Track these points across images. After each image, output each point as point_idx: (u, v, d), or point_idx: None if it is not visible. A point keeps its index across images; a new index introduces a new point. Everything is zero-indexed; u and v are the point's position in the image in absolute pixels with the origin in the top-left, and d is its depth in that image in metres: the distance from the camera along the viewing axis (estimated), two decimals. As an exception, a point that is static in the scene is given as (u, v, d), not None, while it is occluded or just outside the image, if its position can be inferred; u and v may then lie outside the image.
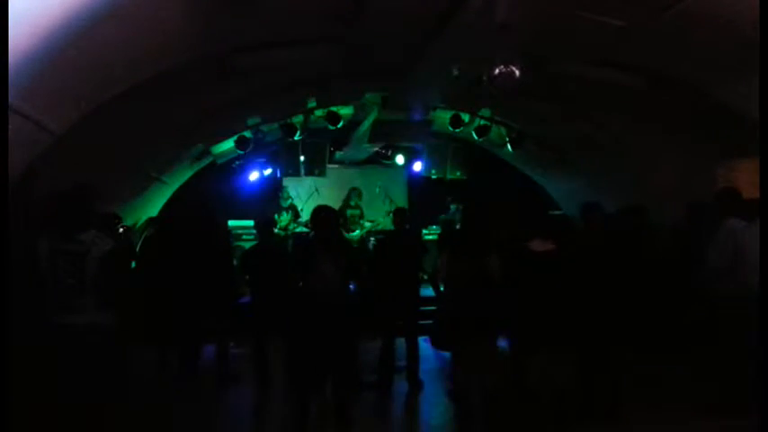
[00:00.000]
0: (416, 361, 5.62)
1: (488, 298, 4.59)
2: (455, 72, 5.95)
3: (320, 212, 4.47)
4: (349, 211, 9.45)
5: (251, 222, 9.04)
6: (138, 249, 6.44)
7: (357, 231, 9.38)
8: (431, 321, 5.51)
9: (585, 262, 4.35)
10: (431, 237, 9.53)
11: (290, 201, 9.46)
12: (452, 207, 9.62)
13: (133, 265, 5.99)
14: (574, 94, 6.74)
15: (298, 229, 9.24)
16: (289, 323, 4.62)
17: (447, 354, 5.79)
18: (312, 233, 5.36)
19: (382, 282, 5.52)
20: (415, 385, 5.54)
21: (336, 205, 9.56)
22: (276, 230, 8.24)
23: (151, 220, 7.56)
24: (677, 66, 5.25)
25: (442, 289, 5.06)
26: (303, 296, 4.33)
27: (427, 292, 6.18)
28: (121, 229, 6.44)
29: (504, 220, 5.55)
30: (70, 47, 3.31)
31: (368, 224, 9.50)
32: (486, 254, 4.64)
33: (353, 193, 9.50)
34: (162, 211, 8.89)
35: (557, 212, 9.15)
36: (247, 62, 5.44)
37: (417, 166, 10.57)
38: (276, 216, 8.97)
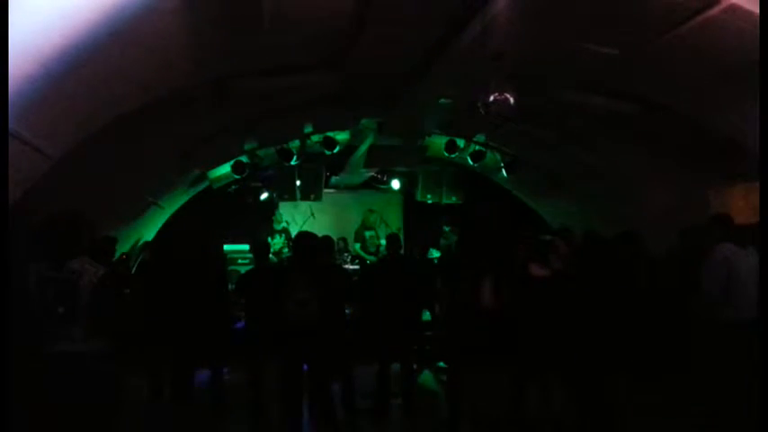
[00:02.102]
0: (413, 387, 5.56)
1: (485, 323, 4.56)
2: (446, 101, 6.01)
3: (299, 239, 4.56)
4: (368, 233, 9.53)
5: (246, 247, 9.04)
6: (133, 274, 6.40)
7: (374, 255, 9.35)
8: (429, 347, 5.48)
9: (582, 288, 4.34)
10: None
11: (282, 224, 9.47)
12: (446, 229, 9.65)
13: (128, 290, 5.94)
14: (568, 120, 6.80)
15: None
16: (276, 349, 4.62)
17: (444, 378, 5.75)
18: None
19: (375, 308, 5.50)
20: (411, 412, 5.47)
21: (331, 228, 9.60)
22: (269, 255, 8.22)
23: (147, 245, 7.52)
24: (670, 93, 5.31)
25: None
26: (278, 323, 4.35)
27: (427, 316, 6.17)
28: (119, 256, 6.39)
29: (500, 245, 5.55)
30: (70, 73, 3.33)
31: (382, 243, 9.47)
32: (483, 278, 4.63)
33: (370, 215, 9.59)
34: (158, 236, 8.86)
35: (550, 237, 9.13)
36: (246, 87, 5.47)
37: (413, 191, 10.56)
38: (269, 239, 8.96)
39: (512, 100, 4.62)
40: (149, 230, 8.64)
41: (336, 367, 5.09)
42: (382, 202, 10.82)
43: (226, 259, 8.81)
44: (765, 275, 3.77)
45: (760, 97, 3.58)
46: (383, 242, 9.18)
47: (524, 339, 4.34)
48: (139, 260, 6.91)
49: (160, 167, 7.07)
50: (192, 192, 9.18)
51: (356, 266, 9.12)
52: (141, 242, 7.96)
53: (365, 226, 9.52)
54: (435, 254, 9.49)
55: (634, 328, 4.38)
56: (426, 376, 6.86)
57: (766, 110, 3.53)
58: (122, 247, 7.05)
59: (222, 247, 8.94)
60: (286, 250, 9.16)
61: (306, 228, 9.89)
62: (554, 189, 9.11)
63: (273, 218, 9.40)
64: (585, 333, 4.23)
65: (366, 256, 9.24)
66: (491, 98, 4.61)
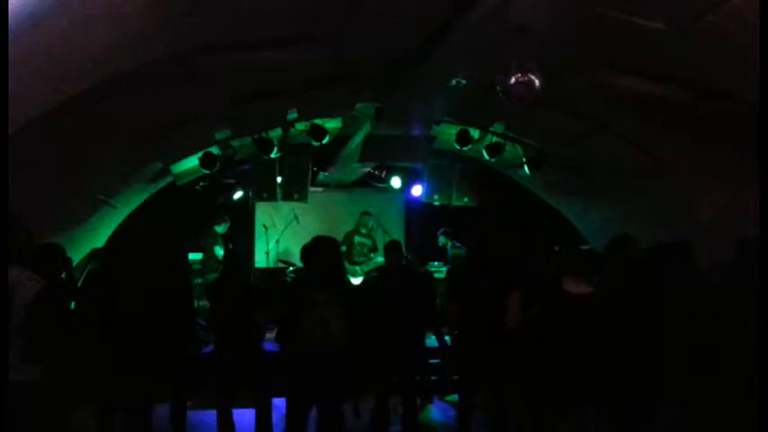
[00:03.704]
0: (415, 425, 5.57)
1: (508, 348, 4.56)
2: (461, 81, 6.01)
3: (320, 243, 4.52)
4: (357, 239, 9.53)
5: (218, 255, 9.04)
6: (79, 287, 6.36)
7: (362, 266, 9.36)
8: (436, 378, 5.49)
9: (627, 308, 4.33)
10: (436, 275, 9.49)
11: (225, 228, 9.47)
12: (441, 240, 9.67)
13: (73, 306, 5.90)
14: (603, 108, 6.81)
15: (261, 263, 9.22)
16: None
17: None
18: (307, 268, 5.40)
19: (372, 329, 5.49)
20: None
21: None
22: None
23: (96, 253, 7.49)
24: (725, 76, 5.31)
25: (447, 339, 5.04)
26: (293, 345, 4.34)
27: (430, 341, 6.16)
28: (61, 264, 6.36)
29: (522, 255, 5.56)
30: (16, 41, 3.30)
31: (379, 259, 9.44)
32: (506, 295, 4.63)
33: (366, 218, 9.60)
34: (110, 242, 8.83)
35: (585, 247, 9.16)
36: (217, 64, 5.47)
37: (417, 191, 10.59)
38: (216, 247, 9.01)
39: (537, 82, 4.62)
40: (100, 235, 8.61)
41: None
42: (380, 204, 10.83)
43: (191, 271, 8.79)
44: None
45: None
46: (377, 259, 9.25)
47: (557, 368, 4.32)
48: (87, 271, 6.87)
49: (113, 160, 7.04)
50: (152, 189, 9.15)
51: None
52: (90, 249, 7.94)
53: (358, 230, 9.50)
54: (436, 266, 9.50)
55: (688, 356, 4.36)
56: (432, 412, 6.84)
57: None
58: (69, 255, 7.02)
59: (187, 256, 8.92)
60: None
61: (288, 234, 9.94)
62: (586, 189, 9.12)
63: (223, 222, 9.39)
64: (631, 361, 4.22)
65: (347, 266, 9.13)
66: (512, 80, 4.61)
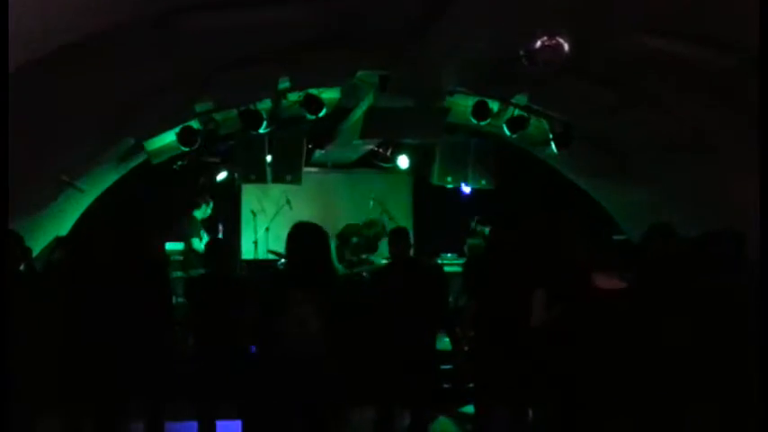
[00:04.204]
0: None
1: (531, 352, 4.57)
2: (474, 46, 5.98)
3: (300, 231, 4.46)
4: (354, 239, 9.50)
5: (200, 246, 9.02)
6: (40, 280, 6.36)
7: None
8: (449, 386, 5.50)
9: (667, 306, 4.30)
10: (447, 269, 9.48)
11: (209, 211, 9.39)
12: (484, 230, 9.61)
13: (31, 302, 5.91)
14: (641, 77, 6.76)
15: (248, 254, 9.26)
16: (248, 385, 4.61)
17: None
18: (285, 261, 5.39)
19: (377, 331, 5.48)
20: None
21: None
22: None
23: (60, 242, 7.49)
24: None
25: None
26: (269, 347, 4.35)
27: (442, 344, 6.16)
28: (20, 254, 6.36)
29: (551, 246, 5.53)
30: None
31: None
32: (529, 291, 4.62)
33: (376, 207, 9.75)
34: (76, 229, 8.85)
35: (620, 237, 9.14)
36: (196, 25, 5.42)
37: (427, 172, 10.55)
38: (195, 239, 8.93)
39: (566, 47, 4.59)
40: (64, 222, 8.63)
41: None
42: (385, 187, 10.85)
43: (169, 263, 8.80)
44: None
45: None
46: (379, 260, 9.25)
47: (588, 374, 4.32)
48: (49, 262, 6.87)
49: (80, 135, 7.03)
50: (124, 169, 9.16)
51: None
52: (52, 237, 7.94)
53: (367, 224, 9.47)
54: (449, 258, 9.49)
55: (735, 359, 4.33)
56: (445, 425, 6.86)
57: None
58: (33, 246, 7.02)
59: (164, 245, 8.92)
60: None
61: (279, 222, 9.91)
62: (620, 170, 9.11)
63: (203, 203, 9.25)
64: (671, 366, 4.20)
65: (338, 267, 9.09)
66: (538, 44, 4.58)
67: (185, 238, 9.02)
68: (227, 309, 5.47)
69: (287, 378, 4.32)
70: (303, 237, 4.47)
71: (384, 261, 9.22)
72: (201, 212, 9.30)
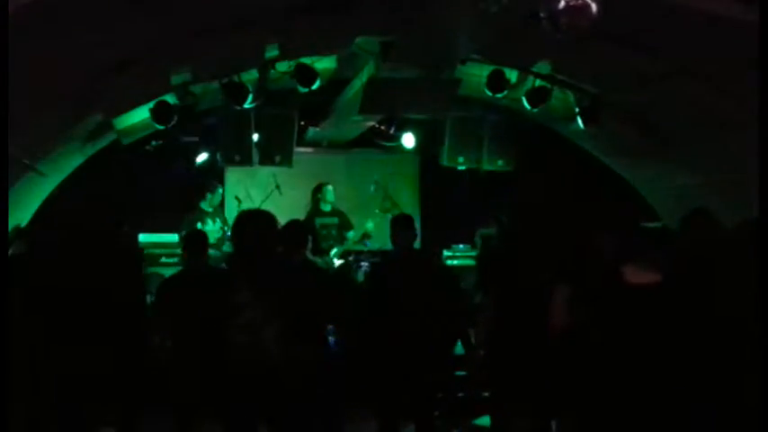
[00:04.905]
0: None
1: (554, 355, 4.63)
2: (490, 7, 5.98)
3: (243, 220, 4.62)
4: (319, 221, 9.57)
5: (175, 237, 9.12)
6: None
7: (334, 250, 9.47)
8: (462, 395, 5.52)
9: (709, 303, 4.33)
10: (457, 262, 9.58)
11: (216, 202, 9.50)
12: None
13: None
14: (682, 42, 6.78)
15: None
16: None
17: None
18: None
19: (377, 334, 5.55)
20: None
21: (306, 209, 9.63)
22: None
23: (20, 233, 7.53)
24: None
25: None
26: (224, 357, 4.42)
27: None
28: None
29: (575, 236, 5.57)
30: None
31: (350, 234, 9.59)
32: (551, 287, 4.68)
33: (325, 190, 9.63)
34: (37, 218, 8.88)
35: (654, 224, 9.14)
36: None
37: (436, 152, 10.59)
38: (199, 225, 9.03)
39: (594, 7, 4.59)
40: (23, 210, 8.67)
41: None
42: (388, 169, 10.85)
43: (142, 256, 8.84)
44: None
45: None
46: (350, 235, 9.44)
47: (618, 379, 4.35)
48: (8, 255, 6.93)
49: (40, 111, 7.02)
50: (90, 150, 9.17)
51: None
52: (11, 228, 7.99)
53: (317, 209, 9.59)
54: (461, 251, 9.53)
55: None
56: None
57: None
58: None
59: (137, 237, 8.99)
60: (226, 242, 9.26)
61: (268, 209, 9.91)
62: (658, 149, 9.12)
63: (207, 191, 9.40)
64: (714, 371, 4.23)
65: (315, 259, 9.13)
66: (561, 4, 4.58)
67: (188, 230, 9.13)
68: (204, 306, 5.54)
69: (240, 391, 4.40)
70: (244, 226, 4.55)
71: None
72: (208, 203, 9.44)
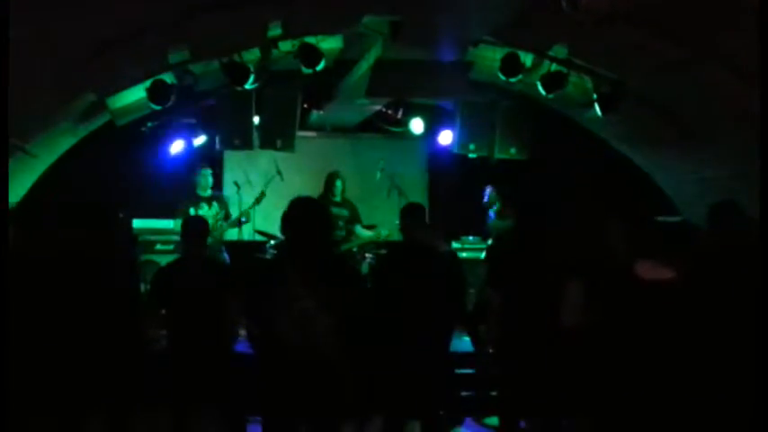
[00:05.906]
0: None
1: (566, 353, 4.61)
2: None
3: (300, 208, 4.43)
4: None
5: (171, 223, 9.12)
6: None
7: (345, 246, 9.47)
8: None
9: (730, 301, 4.29)
10: (467, 254, 9.55)
11: (206, 180, 9.51)
12: (489, 197, 9.86)
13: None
14: (707, 24, 6.72)
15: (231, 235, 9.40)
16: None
17: None
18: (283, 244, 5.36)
19: (383, 328, 5.49)
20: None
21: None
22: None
23: (9, 216, 7.52)
24: None
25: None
26: (265, 349, 4.36)
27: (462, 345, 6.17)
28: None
29: (589, 230, 5.54)
30: None
31: (365, 233, 9.58)
32: (563, 283, 4.62)
33: (335, 180, 9.61)
34: (27, 201, 8.89)
35: (674, 219, 9.12)
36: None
37: (446, 138, 10.59)
38: (192, 210, 9.05)
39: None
40: (13, 192, 8.62)
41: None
42: (395, 155, 10.90)
43: (136, 243, 8.80)
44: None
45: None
46: (365, 234, 9.46)
47: (632, 379, 4.32)
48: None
49: (31, 90, 6.98)
50: (83, 131, 9.19)
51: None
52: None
53: (328, 198, 9.52)
54: (471, 242, 9.50)
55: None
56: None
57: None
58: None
59: (131, 222, 8.98)
60: (220, 226, 9.29)
61: (268, 196, 9.94)
62: (680, 139, 9.08)
63: (197, 173, 9.42)
64: (734, 372, 4.20)
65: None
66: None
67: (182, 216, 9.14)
68: (206, 300, 5.53)
69: (288, 388, 4.35)
70: (298, 214, 4.44)
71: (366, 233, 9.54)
72: (202, 189, 9.45)
